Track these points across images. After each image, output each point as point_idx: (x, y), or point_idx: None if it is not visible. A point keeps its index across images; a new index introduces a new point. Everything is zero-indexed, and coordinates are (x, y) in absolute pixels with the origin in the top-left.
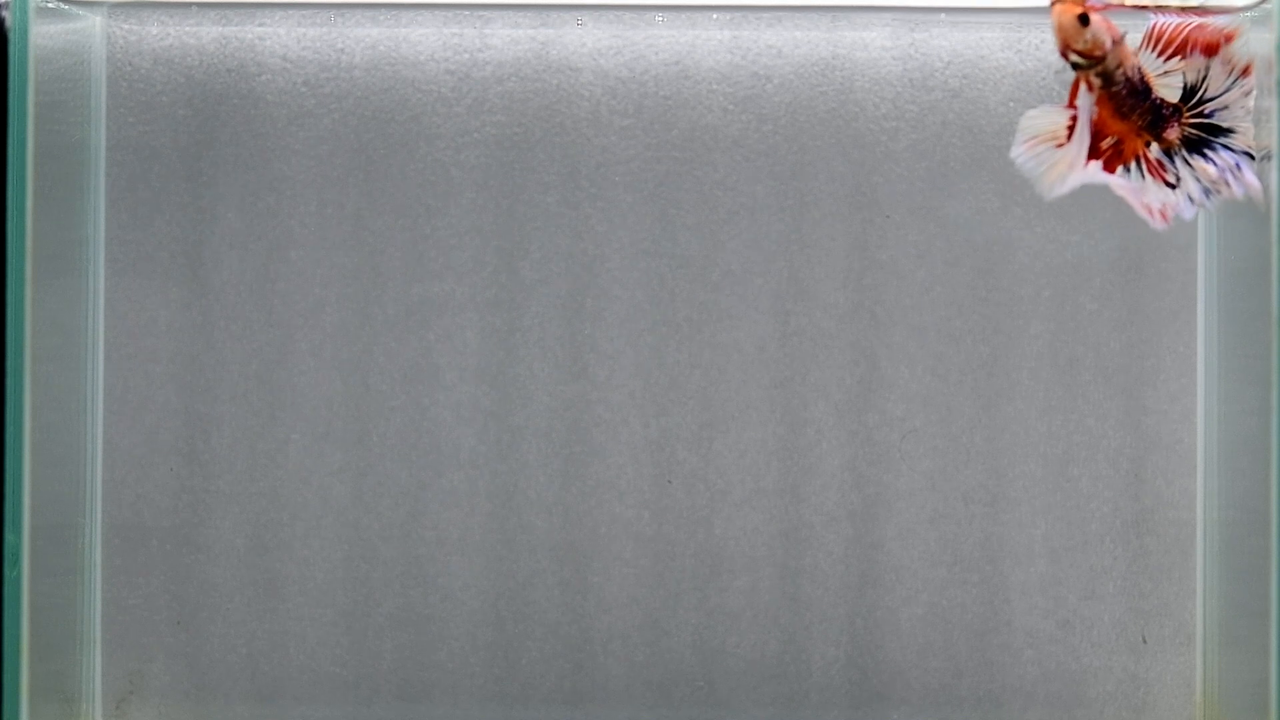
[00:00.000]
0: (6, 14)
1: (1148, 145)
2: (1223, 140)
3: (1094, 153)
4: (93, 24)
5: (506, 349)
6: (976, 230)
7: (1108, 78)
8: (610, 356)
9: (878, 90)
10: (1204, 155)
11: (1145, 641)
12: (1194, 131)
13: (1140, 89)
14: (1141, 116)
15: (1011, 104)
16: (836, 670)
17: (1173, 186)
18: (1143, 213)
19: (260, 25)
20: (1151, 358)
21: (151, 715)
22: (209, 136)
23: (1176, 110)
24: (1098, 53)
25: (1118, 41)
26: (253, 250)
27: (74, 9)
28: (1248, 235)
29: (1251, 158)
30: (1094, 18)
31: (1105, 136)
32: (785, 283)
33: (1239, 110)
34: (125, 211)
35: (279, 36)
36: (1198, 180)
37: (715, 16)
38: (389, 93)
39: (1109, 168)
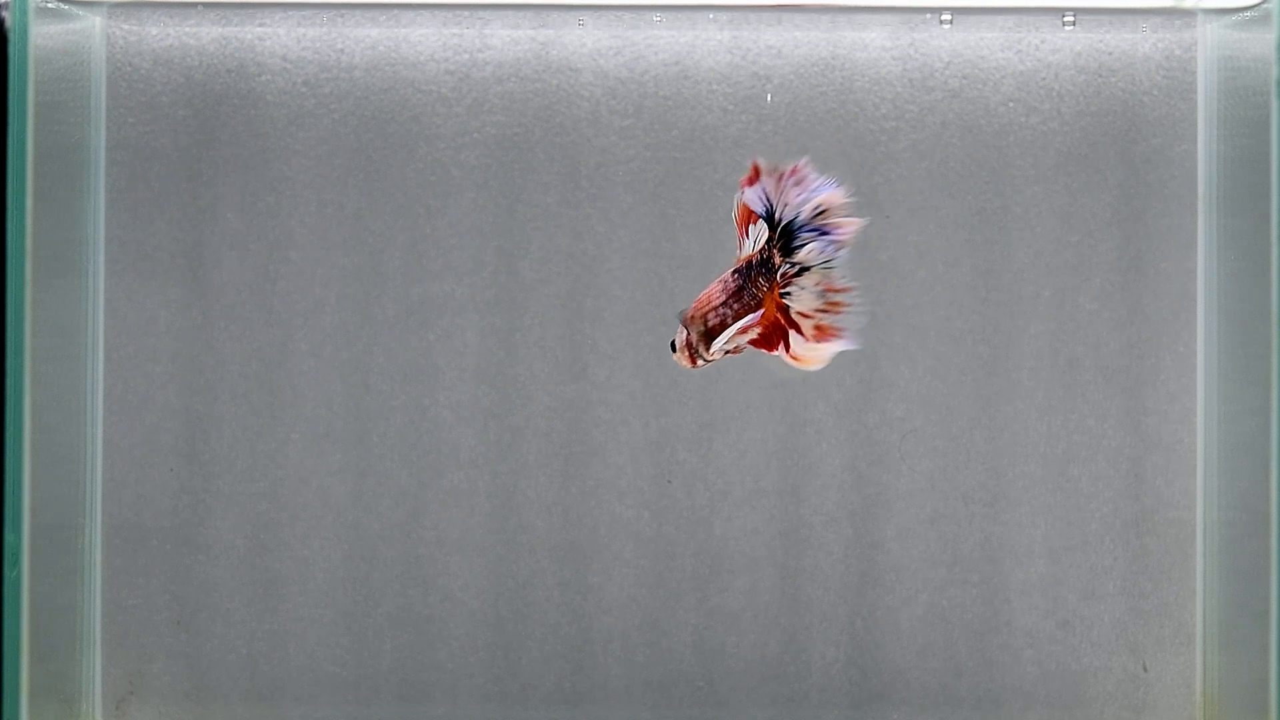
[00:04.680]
0: (6, 14)
1: (783, 296)
2: (804, 228)
3: (775, 334)
4: (93, 24)
5: (506, 349)
6: (976, 230)
7: (707, 331)
8: (610, 356)
9: (878, 90)
10: (795, 250)
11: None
12: (776, 246)
13: (734, 289)
14: (752, 291)
15: (1011, 104)
16: (836, 670)
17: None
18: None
19: (260, 25)
20: (1151, 358)
21: (151, 715)
22: (209, 136)
23: (764, 251)
24: (700, 341)
25: (691, 325)
26: (253, 250)
27: (74, 9)
28: (1248, 235)
29: (825, 232)
30: (676, 343)
31: (767, 323)
32: None
33: (808, 213)
34: (125, 211)
35: (279, 36)
36: (817, 279)
37: (714, 17)
38: (389, 93)
39: (777, 331)
